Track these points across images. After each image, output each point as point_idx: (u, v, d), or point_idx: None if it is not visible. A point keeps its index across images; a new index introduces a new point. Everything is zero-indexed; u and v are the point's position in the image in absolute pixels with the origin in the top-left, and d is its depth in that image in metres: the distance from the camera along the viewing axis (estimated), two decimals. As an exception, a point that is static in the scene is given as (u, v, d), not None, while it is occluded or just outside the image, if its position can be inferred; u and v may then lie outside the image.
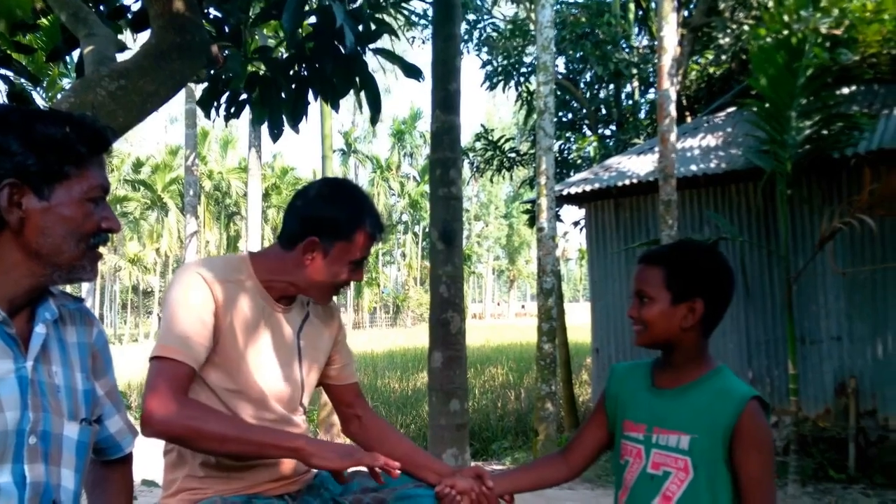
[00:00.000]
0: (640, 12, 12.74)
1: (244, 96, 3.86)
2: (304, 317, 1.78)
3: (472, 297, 62.93)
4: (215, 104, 3.87)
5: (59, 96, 3.48)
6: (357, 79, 3.67)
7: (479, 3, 12.93)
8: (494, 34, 12.69)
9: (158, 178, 39.93)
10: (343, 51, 3.44)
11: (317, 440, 1.56)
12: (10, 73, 4.10)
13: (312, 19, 3.68)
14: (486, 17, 12.95)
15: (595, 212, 9.05)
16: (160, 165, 40.42)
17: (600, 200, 8.91)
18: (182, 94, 11.35)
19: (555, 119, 9.06)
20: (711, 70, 11.19)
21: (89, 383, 1.31)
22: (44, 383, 1.20)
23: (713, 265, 1.60)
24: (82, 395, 1.28)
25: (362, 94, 3.74)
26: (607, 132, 12.76)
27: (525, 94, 12.77)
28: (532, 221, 10.50)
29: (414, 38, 13.71)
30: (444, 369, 4.11)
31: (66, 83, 6.57)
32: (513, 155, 13.55)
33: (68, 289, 1.43)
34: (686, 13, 11.26)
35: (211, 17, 3.72)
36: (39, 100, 5.91)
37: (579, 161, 12.22)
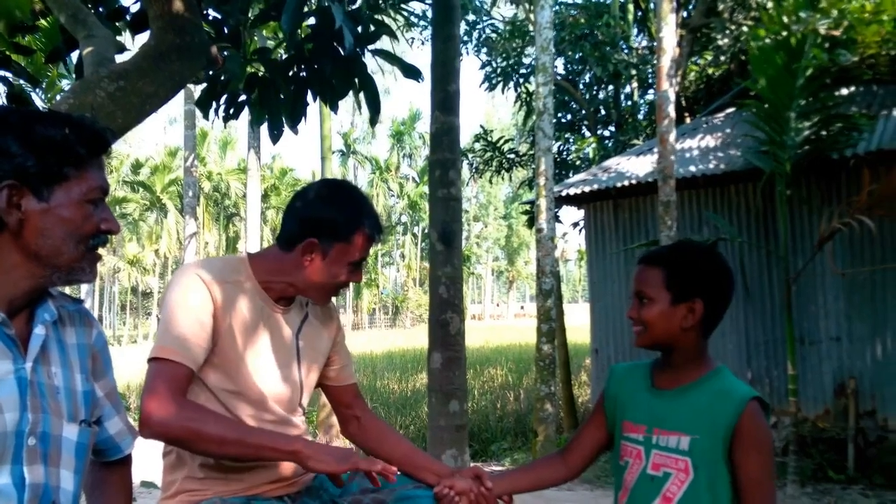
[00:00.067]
0: (639, 13, 12.75)
1: (243, 97, 3.87)
2: (303, 318, 1.77)
3: (471, 298, 62.94)
4: (214, 105, 3.87)
5: (58, 97, 3.48)
6: (356, 80, 3.67)
7: (478, 4, 12.95)
8: (494, 35, 12.70)
9: (157, 180, 39.91)
10: (342, 52, 3.44)
11: (315, 443, 1.56)
12: (9, 75, 4.10)
13: (311, 20, 3.69)
14: (485, 18, 12.97)
15: (594, 213, 9.05)
16: (159, 167, 40.40)
17: (599, 201, 8.91)
18: (181, 95, 11.36)
19: (554, 120, 9.07)
20: (710, 71, 11.21)
21: (89, 385, 1.30)
22: (43, 384, 1.20)
23: (713, 266, 1.60)
24: (82, 397, 1.28)
25: (361, 95, 3.75)
26: (606, 133, 12.77)
27: (524, 95, 12.78)
28: (531, 222, 10.51)
29: (413, 39, 13.74)
30: (444, 370, 4.11)
31: (65, 84, 6.58)
32: (512, 156, 13.57)
33: (67, 290, 1.43)
34: (685, 14, 11.27)
35: (210, 18, 3.72)
36: (38, 101, 5.91)
37: (578, 162, 12.23)
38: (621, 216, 8.77)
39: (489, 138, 13.38)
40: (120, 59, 2.84)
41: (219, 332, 1.61)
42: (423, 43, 14.01)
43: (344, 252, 1.66)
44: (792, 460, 6.10)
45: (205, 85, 3.83)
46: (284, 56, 3.93)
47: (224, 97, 3.86)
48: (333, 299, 1.85)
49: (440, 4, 4.28)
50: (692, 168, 7.87)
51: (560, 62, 12.32)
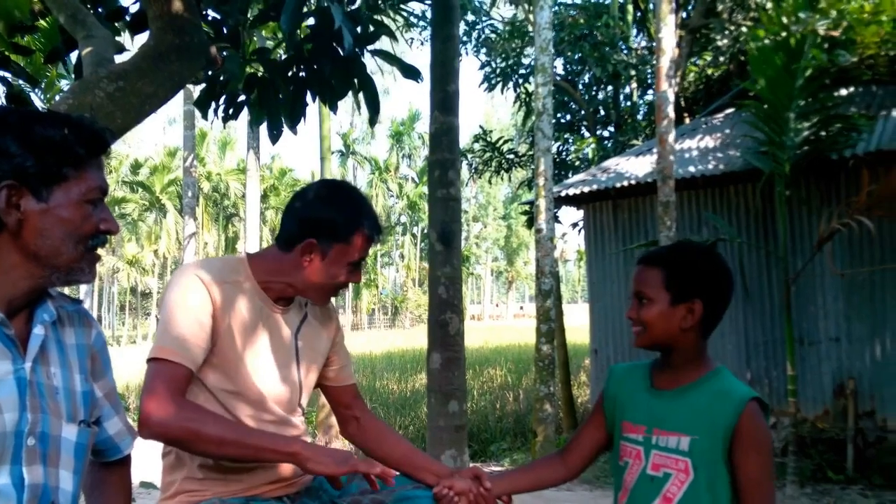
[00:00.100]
0: (639, 14, 12.76)
1: (242, 97, 3.87)
2: (302, 318, 1.77)
3: (470, 299, 62.95)
4: (213, 105, 3.87)
5: (57, 98, 3.48)
6: (355, 80, 3.67)
7: (477, 4, 12.95)
8: (493, 35, 12.71)
9: (157, 180, 39.91)
10: (341, 52, 3.44)
11: (314, 445, 1.56)
12: (8, 75, 4.10)
13: (311, 21, 3.69)
14: (484, 18, 12.98)
15: (593, 213, 9.06)
16: (158, 167, 40.40)
17: (599, 202, 8.91)
18: (180, 95, 11.36)
19: (553, 120, 9.07)
20: (710, 71, 11.21)
21: (88, 385, 1.30)
22: (42, 385, 1.20)
23: (712, 266, 1.60)
24: (81, 397, 1.27)
25: (361, 95, 3.75)
26: (606, 133, 12.78)
27: (523, 96, 12.78)
28: (530, 223, 10.52)
29: (412, 39, 13.75)
30: (443, 370, 4.12)
31: (64, 85, 6.58)
32: (511, 156, 13.57)
33: (67, 290, 1.43)
34: (684, 15, 11.28)
35: (209, 18, 3.72)
36: (38, 101, 5.91)
37: (578, 162, 12.23)
38: (620, 217, 8.77)
39: (488, 139, 13.39)
40: (119, 59, 2.84)
41: (218, 332, 1.61)
42: (422, 43, 14.03)
43: (343, 252, 1.66)
44: (791, 461, 6.10)
45: (204, 85, 3.84)
46: (284, 56, 3.93)
47: (223, 97, 3.86)
48: (332, 300, 1.85)
49: (439, 5, 4.28)
50: (691, 168, 7.87)
51: (559, 62, 12.33)
